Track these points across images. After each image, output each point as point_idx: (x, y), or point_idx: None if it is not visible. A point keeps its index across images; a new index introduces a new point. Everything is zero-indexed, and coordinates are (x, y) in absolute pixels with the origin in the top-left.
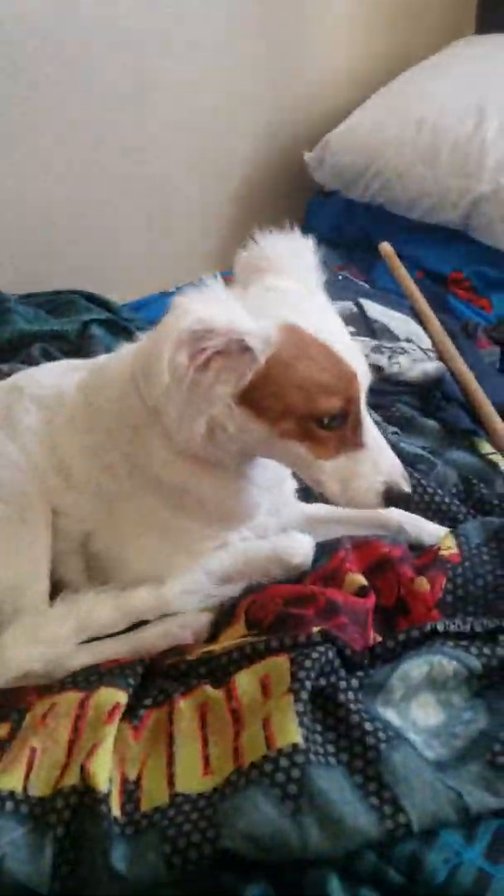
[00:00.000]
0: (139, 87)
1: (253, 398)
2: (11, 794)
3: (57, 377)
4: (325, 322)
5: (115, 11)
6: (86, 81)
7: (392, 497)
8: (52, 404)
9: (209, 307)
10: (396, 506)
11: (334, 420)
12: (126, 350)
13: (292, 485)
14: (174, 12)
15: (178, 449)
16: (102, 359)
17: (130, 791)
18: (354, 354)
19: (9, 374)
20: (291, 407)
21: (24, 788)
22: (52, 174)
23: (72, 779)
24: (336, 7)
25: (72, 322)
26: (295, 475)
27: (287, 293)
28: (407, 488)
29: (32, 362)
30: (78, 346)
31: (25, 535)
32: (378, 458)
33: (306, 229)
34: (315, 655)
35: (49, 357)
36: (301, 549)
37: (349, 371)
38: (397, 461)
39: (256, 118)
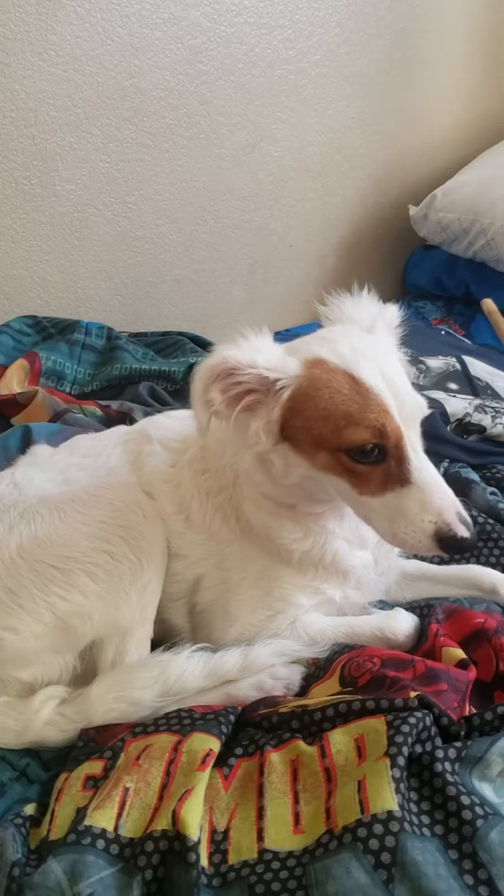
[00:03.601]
0: (253, 138)
1: (289, 432)
2: (103, 832)
3: (181, 423)
4: (360, 355)
5: (234, 66)
6: (202, 131)
7: (444, 540)
8: (177, 448)
9: (237, 350)
10: (452, 551)
11: (371, 454)
12: None
13: None
14: (294, 68)
15: (259, 490)
16: None
17: (218, 842)
18: (395, 387)
19: (118, 412)
20: (320, 438)
21: (115, 828)
22: (164, 218)
23: (162, 823)
24: (448, 68)
25: (179, 363)
26: None
27: (330, 334)
28: (462, 532)
29: (139, 400)
30: (182, 388)
31: (140, 579)
32: (427, 498)
33: (406, 282)
34: (412, 721)
35: (156, 395)
36: (405, 628)
37: (377, 402)
38: (454, 502)
39: (365, 173)
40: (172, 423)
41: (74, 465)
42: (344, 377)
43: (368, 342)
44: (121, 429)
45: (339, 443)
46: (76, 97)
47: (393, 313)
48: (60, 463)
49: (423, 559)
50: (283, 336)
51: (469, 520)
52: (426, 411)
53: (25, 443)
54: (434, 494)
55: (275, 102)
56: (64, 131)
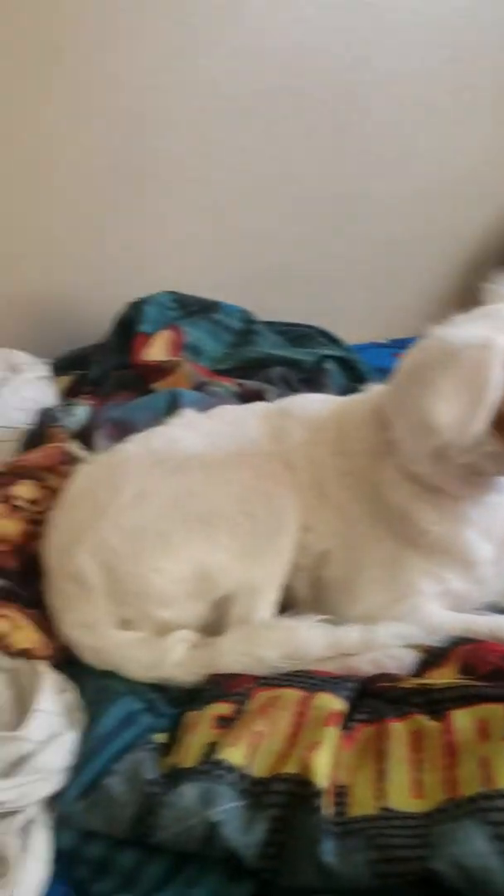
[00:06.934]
0: (402, 151)
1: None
2: (233, 767)
3: (319, 405)
4: None
5: (394, 79)
6: (355, 138)
7: None
8: (315, 427)
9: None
10: None
11: None
12: (374, 390)
13: None
14: (450, 87)
15: (406, 472)
16: (354, 396)
17: (340, 794)
18: None
19: (251, 390)
20: None
21: (245, 766)
22: (305, 217)
23: (291, 767)
24: None
25: (310, 354)
26: None
27: None
28: None
29: (272, 383)
30: (312, 377)
31: (276, 544)
32: None
33: None
34: None
35: (286, 382)
36: None
37: None
38: None
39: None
40: (312, 405)
41: (221, 433)
42: None
43: None
44: (262, 404)
45: None
46: (244, 89)
47: None
48: (208, 427)
49: None
50: (400, 346)
51: None
52: None
53: (171, 406)
54: None
55: (427, 119)
56: (227, 120)
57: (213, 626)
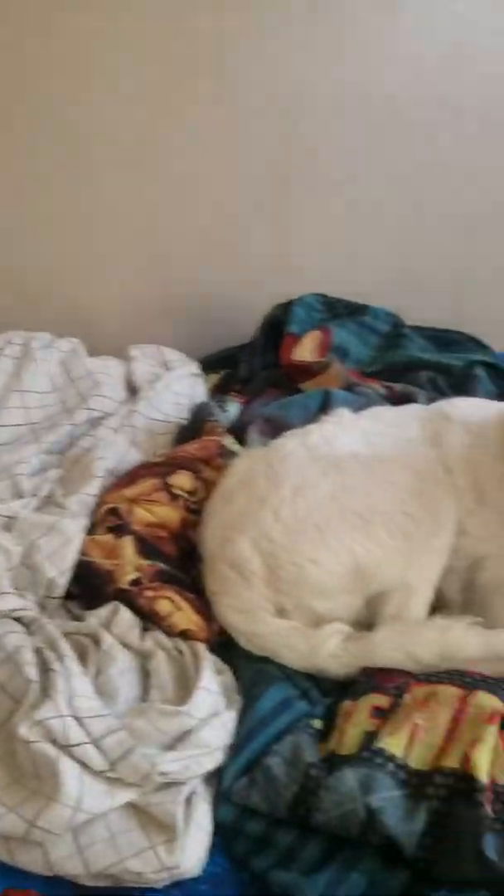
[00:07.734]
0: None
1: None
2: (393, 757)
3: (479, 410)
4: None
5: None
6: None
7: None
8: (476, 431)
9: None
10: None
11: None
12: None
13: None
14: None
15: None
16: None
17: (499, 793)
18: None
19: (400, 393)
20: None
21: (405, 757)
22: (454, 222)
23: (452, 762)
24: None
25: (460, 359)
26: None
27: None
28: None
29: (420, 387)
30: (460, 382)
31: (433, 544)
32: None
33: None
34: None
35: (434, 386)
36: None
37: None
38: None
39: None
40: (472, 409)
41: (378, 433)
42: None
43: None
44: (418, 406)
45: None
46: (395, 94)
47: None
48: (364, 427)
49: None
50: None
51: None
52: None
53: (323, 405)
54: None
55: None
56: (376, 124)
57: (365, 622)
